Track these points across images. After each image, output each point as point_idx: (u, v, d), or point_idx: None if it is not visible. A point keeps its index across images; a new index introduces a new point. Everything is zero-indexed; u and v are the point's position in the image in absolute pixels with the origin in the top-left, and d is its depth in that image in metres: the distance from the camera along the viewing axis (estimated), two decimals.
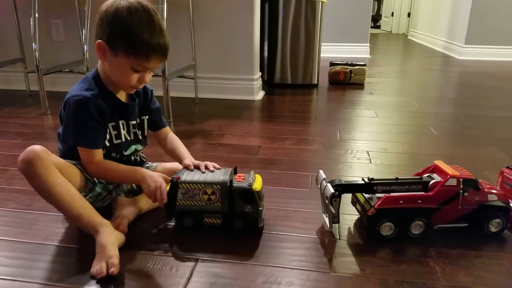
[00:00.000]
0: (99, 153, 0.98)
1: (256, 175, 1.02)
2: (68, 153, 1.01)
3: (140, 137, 1.10)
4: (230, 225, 0.99)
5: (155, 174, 0.98)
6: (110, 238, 0.88)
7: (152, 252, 0.92)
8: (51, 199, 0.90)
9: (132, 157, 1.11)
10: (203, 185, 0.96)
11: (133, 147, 1.08)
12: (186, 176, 0.98)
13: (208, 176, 0.98)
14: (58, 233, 0.99)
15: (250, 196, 0.96)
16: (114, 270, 0.82)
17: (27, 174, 0.88)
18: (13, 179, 1.29)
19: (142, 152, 1.16)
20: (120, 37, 0.89)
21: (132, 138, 1.08)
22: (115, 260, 0.84)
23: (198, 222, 1.00)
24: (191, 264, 0.87)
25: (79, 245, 0.94)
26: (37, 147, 0.88)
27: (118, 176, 1.01)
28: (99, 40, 0.92)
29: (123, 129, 1.05)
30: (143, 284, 0.81)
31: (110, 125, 1.01)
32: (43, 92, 2.07)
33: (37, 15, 1.99)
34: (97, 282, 0.81)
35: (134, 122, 1.07)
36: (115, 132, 1.03)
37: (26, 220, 1.05)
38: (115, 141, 1.03)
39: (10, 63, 2.42)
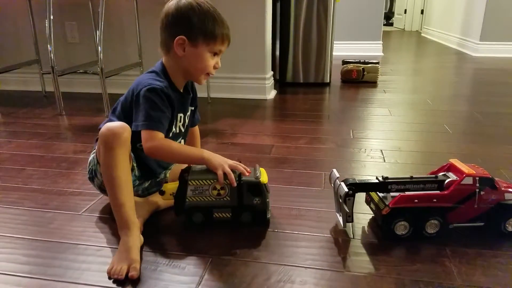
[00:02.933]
0: (161, 136, 1.01)
1: (261, 168, 1.04)
2: None
3: (184, 131, 1.15)
4: (239, 218, 1.01)
5: (216, 155, 1.02)
6: (136, 241, 0.90)
7: (166, 250, 0.93)
8: (111, 178, 0.93)
9: None
10: (212, 181, 0.98)
11: (179, 140, 1.13)
12: (194, 173, 1.00)
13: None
14: (75, 232, 1.00)
15: (258, 189, 0.99)
16: (134, 274, 0.83)
17: (107, 144, 0.92)
18: (30, 178, 1.32)
19: None
20: (199, 28, 1.00)
21: (182, 130, 1.13)
22: (137, 265, 0.85)
23: (207, 217, 1.01)
24: (205, 262, 0.88)
25: (96, 244, 0.95)
26: (126, 126, 0.95)
27: (184, 155, 1.04)
28: (179, 36, 1.00)
29: (180, 121, 1.10)
30: (157, 283, 0.82)
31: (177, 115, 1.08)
32: (58, 92, 2.10)
33: (52, 17, 2.02)
34: (113, 281, 0.82)
35: (188, 113, 1.14)
36: (174, 123, 1.08)
37: (43, 219, 1.07)
38: (171, 132, 1.08)
39: (26, 64, 2.46)
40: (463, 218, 0.96)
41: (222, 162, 1.00)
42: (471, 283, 0.81)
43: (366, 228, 1.02)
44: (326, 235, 0.98)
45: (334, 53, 2.84)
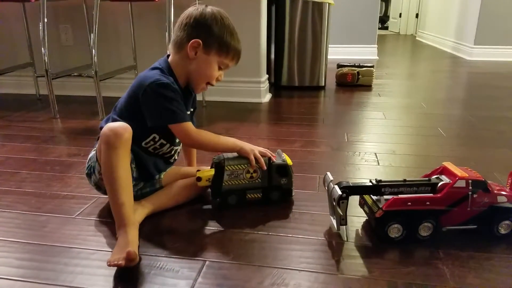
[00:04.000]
0: (191, 125, 1.08)
1: (284, 154, 1.17)
2: None
3: None
4: (269, 197, 1.14)
5: (246, 143, 1.13)
6: (135, 238, 0.92)
7: (159, 253, 0.92)
8: (112, 177, 0.95)
9: (174, 155, 1.19)
10: (246, 165, 1.10)
11: (178, 140, 1.15)
12: (229, 159, 1.10)
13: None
14: (69, 235, 1.00)
15: (285, 170, 1.13)
16: (135, 258, 0.84)
17: (109, 144, 0.94)
18: (23, 181, 1.31)
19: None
20: (217, 38, 1.06)
21: None
22: (136, 250, 0.87)
23: (241, 199, 1.12)
24: (198, 265, 0.88)
25: (90, 247, 0.95)
26: (128, 127, 0.97)
27: (221, 144, 1.13)
28: (196, 39, 1.04)
29: None
30: (151, 286, 0.81)
31: None
32: (52, 96, 2.10)
33: (46, 20, 2.02)
34: (107, 284, 0.82)
35: (188, 113, 1.15)
36: None
37: (36, 222, 1.06)
38: None
39: (20, 67, 2.46)
40: (456, 221, 0.97)
41: (253, 148, 1.12)
42: (463, 286, 0.81)
43: (359, 231, 1.03)
44: (320, 238, 0.99)
45: (329, 57, 2.85)
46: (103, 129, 0.96)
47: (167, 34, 1.90)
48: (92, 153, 1.10)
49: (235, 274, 0.85)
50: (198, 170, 1.12)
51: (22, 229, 1.03)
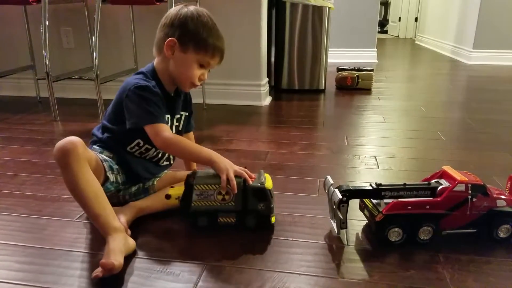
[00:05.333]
0: (167, 128, 1.05)
1: (265, 174, 1.06)
2: (108, 142, 1.08)
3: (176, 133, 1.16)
4: (244, 223, 1.02)
5: (224, 159, 1.03)
6: (119, 245, 0.89)
7: (159, 257, 0.92)
8: (76, 193, 0.92)
9: (163, 158, 1.18)
10: (217, 186, 1.00)
11: None
12: (200, 178, 1.01)
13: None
14: (69, 238, 1.00)
15: (263, 194, 1.00)
16: (114, 263, 0.82)
17: (60, 163, 0.91)
18: (23, 184, 1.31)
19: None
20: (192, 35, 1.03)
21: (174, 132, 1.14)
22: (114, 261, 0.83)
23: (212, 221, 1.02)
24: (199, 269, 0.88)
25: (90, 251, 0.95)
26: (75, 140, 0.93)
27: (194, 152, 1.06)
28: (171, 38, 1.03)
29: (168, 123, 1.11)
30: None
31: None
32: (53, 98, 2.10)
33: (47, 23, 2.02)
34: (103, 287, 0.82)
35: (178, 116, 1.16)
36: None
37: (36, 225, 1.06)
38: None
39: (20, 70, 2.46)
40: (456, 224, 0.97)
41: (228, 166, 1.02)
42: None
43: (360, 234, 1.03)
44: (320, 242, 0.99)
45: (329, 60, 2.86)
46: (54, 150, 0.92)
47: None
48: None
49: (236, 277, 0.85)
50: (172, 186, 1.10)
51: (22, 232, 1.03)
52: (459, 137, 1.85)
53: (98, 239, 0.99)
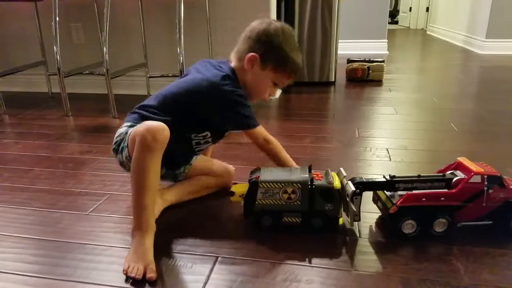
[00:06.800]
0: (263, 129, 1.13)
1: (332, 173, 1.02)
2: (170, 124, 1.04)
3: None
4: (310, 224, 0.99)
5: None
6: (151, 244, 0.89)
7: (172, 249, 0.93)
8: (138, 178, 0.90)
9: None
10: (283, 184, 0.97)
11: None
12: (266, 175, 0.99)
13: (288, 175, 0.99)
14: (83, 232, 1.01)
15: (331, 194, 0.96)
16: (153, 276, 0.82)
17: (144, 145, 0.89)
18: (37, 178, 1.32)
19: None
20: (275, 55, 1.07)
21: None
22: (153, 267, 0.84)
23: (277, 221, 0.99)
24: (211, 261, 0.88)
25: (103, 243, 0.96)
26: (167, 131, 0.92)
27: (284, 156, 1.15)
28: (254, 53, 1.07)
29: None
30: (163, 282, 0.82)
31: None
32: (65, 94, 2.12)
33: (57, 19, 2.03)
34: (125, 280, 0.82)
35: None
36: None
37: (51, 219, 1.08)
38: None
39: (32, 66, 2.48)
40: (471, 216, 0.95)
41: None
42: (478, 282, 0.80)
43: (373, 227, 1.02)
44: (332, 234, 0.98)
45: (339, 52, 2.83)
46: (140, 129, 0.91)
47: (177, 31, 1.90)
48: (124, 128, 1.06)
49: (248, 270, 0.85)
50: (234, 183, 1.10)
51: (36, 225, 1.05)
52: (472, 128, 1.82)
53: (112, 232, 1.01)
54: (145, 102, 1.11)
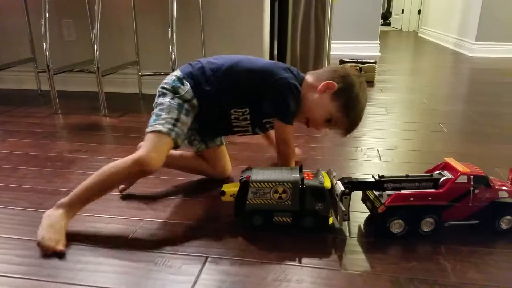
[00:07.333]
0: (292, 130, 1.17)
1: (323, 172, 1.02)
2: (214, 93, 1.12)
3: None
4: (301, 223, 0.99)
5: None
6: (67, 225, 0.97)
7: (161, 249, 0.92)
8: (105, 183, 0.99)
9: (245, 132, 1.24)
10: (274, 184, 0.97)
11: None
12: (257, 175, 0.99)
13: (279, 175, 0.99)
14: (70, 232, 0.99)
15: (321, 194, 0.96)
16: (63, 249, 0.90)
17: (128, 171, 0.99)
18: (24, 178, 1.31)
19: None
20: (349, 98, 1.10)
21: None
22: (65, 243, 0.92)
23: (267, 220, 0.99)
24: (201, 262, 0.88)
25: (90, 244, 0.95)
26: (156, 164, 0.99)
27: (287, 159, 1.18)
28: (334, 82, 1.10)
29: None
30: (152, 283, 0.81)
31: None
32: (54, 91, 2.09)
33: (48, 15, 2.01)
34: (107, 281, 0.82)
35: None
36: None
37: (38, 219, 1.05)
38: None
39: (21, 63, 2.45)
40: (458, 216, 0.96)
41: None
42: (465, 280, 0.81)
43: (362, 226, 1.02)
44: (322, 234, 0.98)
45: (332, 53, 2.85)
46: (143, 155, 0.98)
47: (169, 29, 1.89)
48: (172, 77, 1.12)
49: (238, 270, 0.85)
50: (225, 183, 1.09)
51: (23, 225, 1.03)
52: (461, 129, 1.84)
53: (99, 232, 1.00)
54: (210, 59, 1.16)
